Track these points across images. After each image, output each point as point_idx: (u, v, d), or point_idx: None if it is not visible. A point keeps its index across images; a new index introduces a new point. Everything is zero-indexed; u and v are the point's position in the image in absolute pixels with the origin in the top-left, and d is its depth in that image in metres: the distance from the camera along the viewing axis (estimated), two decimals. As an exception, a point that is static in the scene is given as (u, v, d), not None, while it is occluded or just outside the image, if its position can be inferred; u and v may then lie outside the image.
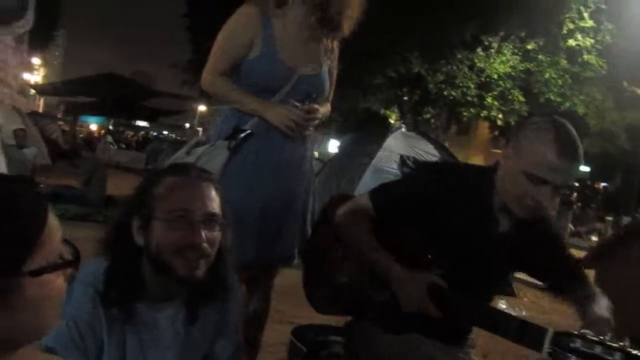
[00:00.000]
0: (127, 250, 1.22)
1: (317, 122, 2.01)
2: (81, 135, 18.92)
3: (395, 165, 5.96)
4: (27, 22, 1.34)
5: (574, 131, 1.49)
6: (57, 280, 0.75)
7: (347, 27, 2.03)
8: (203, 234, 1.20)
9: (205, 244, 1.20)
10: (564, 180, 1.45)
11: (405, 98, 16.22)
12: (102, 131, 26.34)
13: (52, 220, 0.74)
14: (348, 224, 1.67)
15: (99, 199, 6.64)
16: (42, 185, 6.61)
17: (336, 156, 8.08)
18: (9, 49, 1.34)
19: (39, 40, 18.73)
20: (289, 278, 2.24)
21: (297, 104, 1.95)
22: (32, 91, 20.27)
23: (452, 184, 1.60)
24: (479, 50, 13.98)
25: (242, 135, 1.94)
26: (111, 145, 18.99)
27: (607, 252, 3.25)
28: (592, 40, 13.06)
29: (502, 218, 1.58)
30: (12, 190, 0.73)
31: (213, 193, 1.27)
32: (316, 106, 1.97)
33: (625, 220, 13.79)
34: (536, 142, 1.44)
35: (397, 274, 1.52)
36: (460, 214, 1.57)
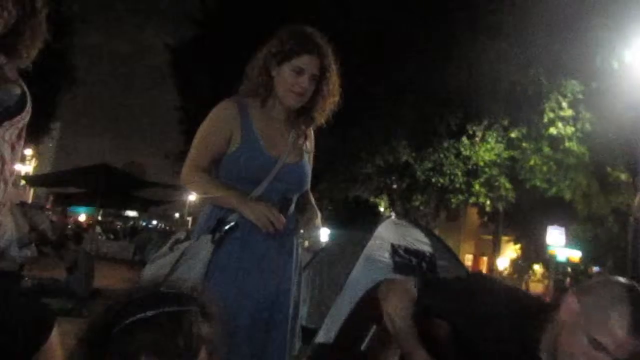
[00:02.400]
0: None
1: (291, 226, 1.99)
2: (69, 226, 18.74)
3: (387, 254, 5.91)
4: (27, 115, 1.36)
5: None
6: None
7: (322, 117, 2.10)
8: None
9: None
10: (624, 356, 1.39)
11: (394, 186, 16.45)
12: (91, 221, 26.18)
13: (54, 340, 0.70)
14: (399, 316, 1.68)
15: (85, 292, 6.47)
16: (26, 279, 6.45)
17: (327, 246, 8.03)
18: (7, 145, 1.34)
19: (34, 132, 19.05)
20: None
21: (272, 205, 1.94)
22: (22, 182, 20.33)
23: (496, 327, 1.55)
24: (464, 138, 14.38)
25: (227, 227, 1.91)
26: (99, 236, 18.80)
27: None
28: (573, 129, 13.50)
29: None
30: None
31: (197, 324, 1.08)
32: (283, 219, 1.94)
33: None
34: (611, 310, 1.39)
35: None
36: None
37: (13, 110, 1.30)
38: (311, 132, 2.17)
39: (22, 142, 1.40)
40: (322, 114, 2.09)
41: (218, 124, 2.01)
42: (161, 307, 1.04)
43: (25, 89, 1.35)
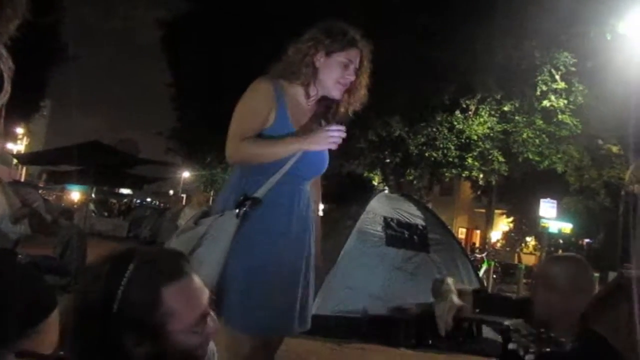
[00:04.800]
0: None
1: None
2: (62, 204, 18.71)
3: (379, 228, 5.96)
4: (5, 95, 1.33)
5: None
6: None
7: (351, 108, 2.19)
8: (212, 315, 1.16)
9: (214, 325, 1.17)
10: None
11: (387, 160, 16.45)
12: (85, 199, 26.15)
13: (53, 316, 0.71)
14: None
15: (78, 268, 6.50)
16: (20, 256, 6.46)
17: (320, 220, 8.06)
18: None
19: (24, 111, 18.85)
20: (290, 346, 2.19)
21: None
22: (15, 160, 20.20)
23: None
24: (458, 112, 14.36)
25: (251, 202, 1.96)
26: (93, 214, 18.78)
27: (596, 313, 3.22)
28: (565, 101, 13.50)
29: None
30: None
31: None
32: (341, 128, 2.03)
33: (612, 275, 13.79)
34: None
35: None
36: None
37: None
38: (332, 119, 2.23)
39: (1, 122, 1.38)
40: (351, 106, 2.18)
41: (260, 101, 2.04)
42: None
43: (2, 67, 1.31)
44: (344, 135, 2.00)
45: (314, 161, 2.09)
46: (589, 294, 1.87)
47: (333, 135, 1.98)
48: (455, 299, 5.56)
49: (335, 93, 2.10)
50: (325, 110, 2.17)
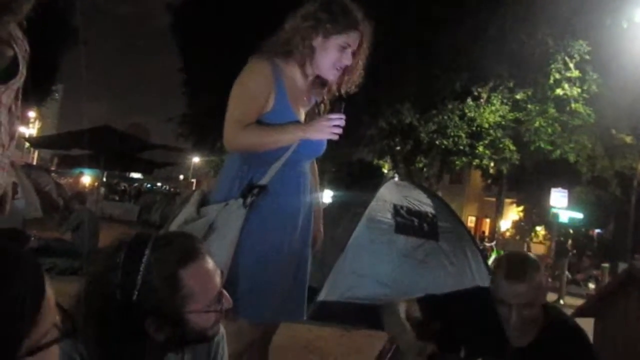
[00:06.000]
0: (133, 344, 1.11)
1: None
2: (74, 188, 18.86)
3: (389, 215, 5.94)
4: (21, 77, 1.33)
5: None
6: (53, 350, 0.70)
7: (345, 88, 2.12)
8: (225, 293, 1.18)
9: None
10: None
11: (398, 148, 16.40)
12: (96, 183, 26.35)
13: (49, 291, 0.69)
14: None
15: (90, 251, 6.55)
16: (32, 239, 6.53)
17: (330, 207, 8.07)
18: (3, 108, 1.32)
19: (36, 94, 18.94)
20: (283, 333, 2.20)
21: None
22: (27, 144, 20.35)
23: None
24: (469, 100, 14.25)
25: (258, 190, 1.92)
26: (104, 198, 18.93)
27: (606, 301, 3.21)
28: (579, 90, 13.35)
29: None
30: (8, 263, 0.66)
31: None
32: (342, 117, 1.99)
33: (622, 266, 13.73)
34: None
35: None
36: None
37: (8, 73, 1.28)
38: (326, 99, 2.18)
39: (19, 104, 1.38)
40: (346, 86, 2.11)
41: (259, 84, 1.97)
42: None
43: (17, 50, 1.31)
44: (343, 123, 1.95)
45: (313, 142, 2.04)
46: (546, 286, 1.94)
47: (335, 125, 1.93)
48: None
49: (331, 76, 2.04)
50: (320, 89, 2.12)
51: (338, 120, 1.93)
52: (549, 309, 1.80)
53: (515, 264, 1.71)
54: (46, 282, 0.67)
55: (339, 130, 1.95)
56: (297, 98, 2.04)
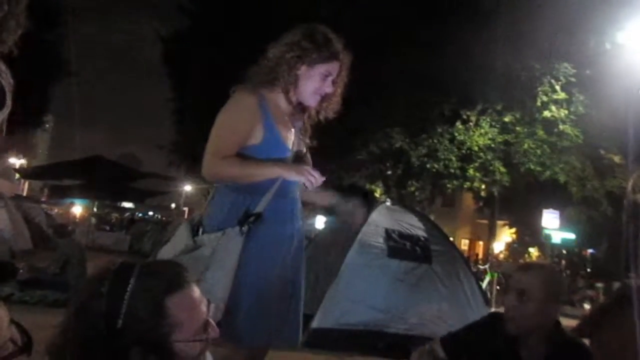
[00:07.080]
0: None
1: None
2: (62, 219, 18.72)
3: (381, 239, 5.93)
4: (6, 110, 1.33)
5: None
6: None
7: (324, 114, 2.19)
8: (211, 322, 1.16)
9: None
10: None
11: (389, 172, 16.45)
12: (87, 213, 26.16)
13: (1, 312, 0.68)
14: None
15: (79, 283, 6.47)
16: (21, 271, 6.46)
17: (322, 232, 8.05)
18: None
19: (26, 125, 18.93)
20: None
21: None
22: (17, 175, 20.24)
23: None
24: (459, 123, 14.37)
25: (254, 218, 1.95)
26: (95, 228, 18.77)
27: (601, 320, 3.19)
28: (566, 111, 13.52)
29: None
30: None
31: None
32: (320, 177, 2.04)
33: (616, 285, 13.71)
34: None
35: None
36: None
37: None
38: (309, 127, 2.25)
39: (2, 135, 1.38)
40: (325, 112, 2.19)
41: (243, 115, 2.02)
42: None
43: (3, 82, 1.31)
44: (320, 183, 2.01)
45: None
46: (560, 301, 1.97)
47: (312, 176, 1.98)
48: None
49: (312, 102, 2.12)
50: (300, 115, 2.17)
51: (318, 177, 1.99)
52: (558, 330, 1.90)
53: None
54: None
55: (314, 184, 2.00)
56: (284, 125, 2.08)
